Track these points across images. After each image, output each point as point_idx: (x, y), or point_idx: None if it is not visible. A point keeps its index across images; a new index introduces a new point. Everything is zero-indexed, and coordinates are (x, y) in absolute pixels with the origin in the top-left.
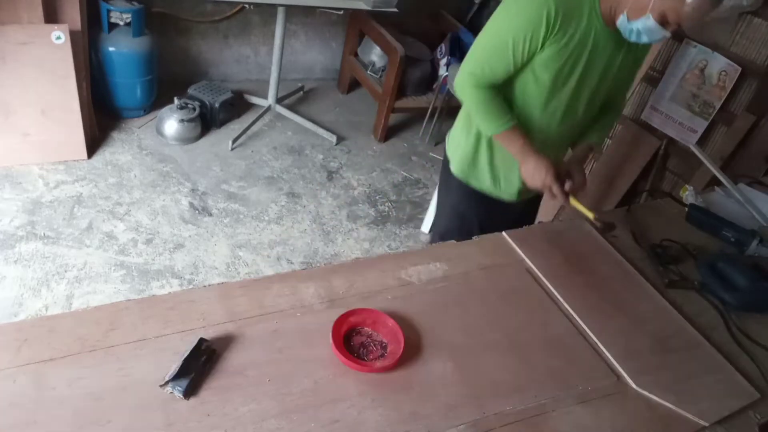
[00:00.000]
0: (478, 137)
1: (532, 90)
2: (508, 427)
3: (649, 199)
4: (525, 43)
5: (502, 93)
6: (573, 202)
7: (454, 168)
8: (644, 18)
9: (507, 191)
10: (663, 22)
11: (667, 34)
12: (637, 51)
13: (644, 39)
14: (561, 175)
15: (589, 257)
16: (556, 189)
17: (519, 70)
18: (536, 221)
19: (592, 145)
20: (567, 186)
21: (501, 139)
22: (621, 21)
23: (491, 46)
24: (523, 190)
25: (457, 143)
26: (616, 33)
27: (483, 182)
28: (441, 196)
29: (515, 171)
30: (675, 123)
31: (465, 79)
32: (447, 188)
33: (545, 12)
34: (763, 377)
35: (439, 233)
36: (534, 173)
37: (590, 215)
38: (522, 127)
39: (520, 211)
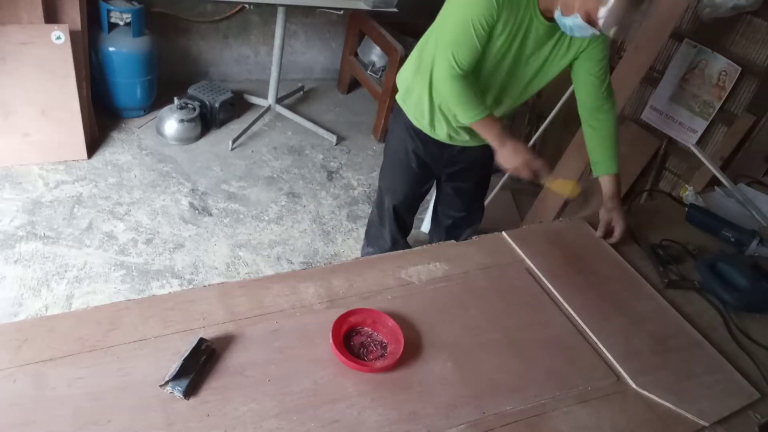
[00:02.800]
0: (425, 80)
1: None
2: (508, 427)
3: (649, 199)
4: (483, 26)
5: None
6: (548, 183)
7: (422, 126)
8: (573, 16)
9: (439, 134)
10: (589, 21)
11: (596, 32)
12: (585, 47)
13: (576, 34)
14: (605, 223)
15: (589, 257)
16: (537, 164)
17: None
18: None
19: (617, 176)
20: (542, 169)
21: (478, 126)
22: (557, 15)
23: (458, 34)
24: (451, 135)
25: (411, 90)
26: (554, 26)
27: (420, 121)
28: (388, 140)
29: (444, 118)
30: (675, 123)
31: (445, 71)
32: (393, 128)
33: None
34: (763, 377)
35: (385, 176)
36: (512, 155)
37: (570, 188)
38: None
39: (457, 154)
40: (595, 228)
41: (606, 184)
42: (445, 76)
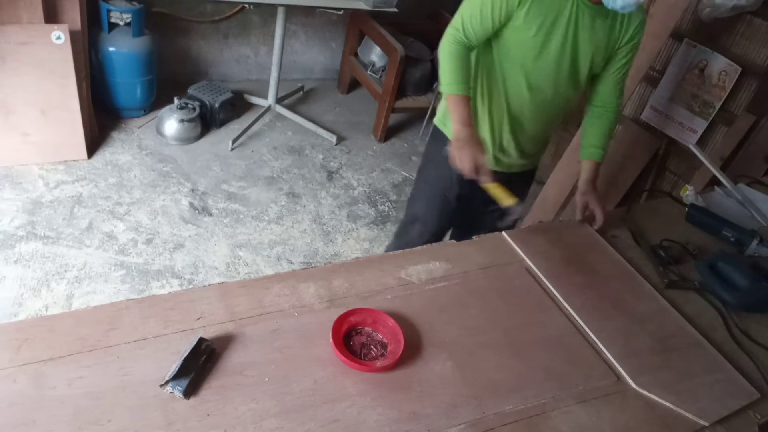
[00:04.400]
0: (473, 105)
1: (513, 54)
2: (508, 426)
3: (649, 199)
4: (501, 4)
5: (481, 63)
6: (491, 187)
7: (439, 122)
8: None
9: (493, 152)
10: None
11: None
12: (618, 26)
13: (615, 4)
14: (582, 208)
15: (589, 257)
16: (483, 164)
17: (498, 30)
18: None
19: (597, 163)
20: (484, 167)
21: (452, 100)
22: None
23: (472, 5)
24: (496, 157)
25: (445, 115)
26: (600, 8)
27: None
28: (423, 167)
29: (491, 134)
30: (675, 123)
31: (448, 33)
32: (430, 153)
33: None
34: (763, 377)
35: (417, 205)
36: (465, 144)
37: (511, 201)
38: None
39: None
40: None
41: (588, 168)
42: (448, 38)
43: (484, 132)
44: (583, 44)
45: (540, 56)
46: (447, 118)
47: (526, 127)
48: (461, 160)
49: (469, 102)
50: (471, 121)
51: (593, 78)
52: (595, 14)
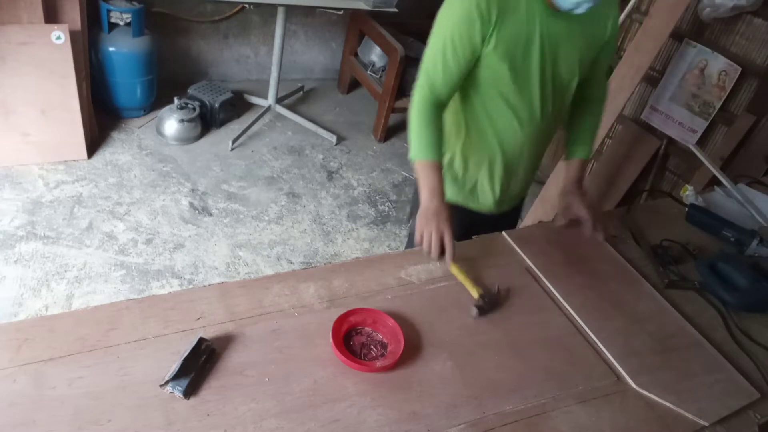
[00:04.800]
0: (452, 151)
1: (493, 93)
2: (508, 426)
3: (649, 199)
4: (462, 44)
5: (455, 115)
6: (453, 269)
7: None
8: None
9: (484, 203)
10: None
11: None
12: (594, 26)
13: (565, 3)
14: (562, 209)
15: (589, 257)
16: (447, 240)
17: (470, 73)
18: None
19: (584, 161)
20: (448, 248)
21: (420, 166)
22: None
23: (433, 55)
24: (500, 200)
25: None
26: (569, 14)
27: (459, 195)
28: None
29: (490, 180)
30: (675, 123)
31: (415, 93)
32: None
33: (475, 7)
34: (763, 377)
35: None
36: (431, 217)
37: (474, 293)
38: (441, 169)
39: (494, 224)
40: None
41: (574, 167)
42: (416, 98)
43: (483, 184)
44: (564, 57)
45: (523, 86)
46: (446, 184)
47: (524, 162)
48: (426, 236)
49: (439, 169)
50: (441, 191)
51: (590, 75)
52: (566, 22)
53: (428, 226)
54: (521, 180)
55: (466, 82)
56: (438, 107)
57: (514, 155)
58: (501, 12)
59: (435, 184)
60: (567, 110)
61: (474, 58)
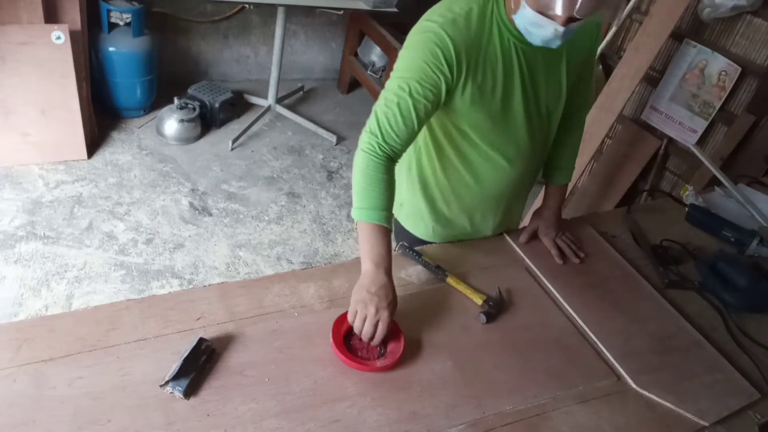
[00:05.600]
0: (430, 193)
1: (471, 141)
2: (508, 427)
3: (649, 199)
4: (425, 94)
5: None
6: (451, 281)
7: (424, 235)
8: (521, 9)
9: (484, 228)
10: (541, 8)
11: (560, 28)
12: (574, 41)
13: (535, 40)
14: (530, 231)
15: (589, 257)
16: (381, 330)
17: (443, 124)
18: None
19: (564, 187)
20: (379, 334)
21: (365, 230)
22: (515, 19)
23: (389, 101)
24: (500, 223)
25: (413, 212)
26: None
27: (460, 229)
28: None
29: (483, 205)
30: (675, 123)
31: (362, 140)
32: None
33: (441, 55)
34: (763, 377)
35: None
36: (373, 297)
37: (477, 300)
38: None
39: None
40: (596, 229)
41: (555, 194)
42: (363, 147)
43: (475, 220)
44: (547, 84)
45: (506, 126)
46: (418, 220)
47: (517, 193)
48: (359, 317)
49: (387, 234)
50: (388, 262)
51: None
52: (540, 50)
53: (365, 308)
54: (519, 206)
55: (436, 135)
56: (390, 161)
57: (504, 192)
58: (470, 58)
59: (381, 252)
60: (552, 139)
61: (435, 110)
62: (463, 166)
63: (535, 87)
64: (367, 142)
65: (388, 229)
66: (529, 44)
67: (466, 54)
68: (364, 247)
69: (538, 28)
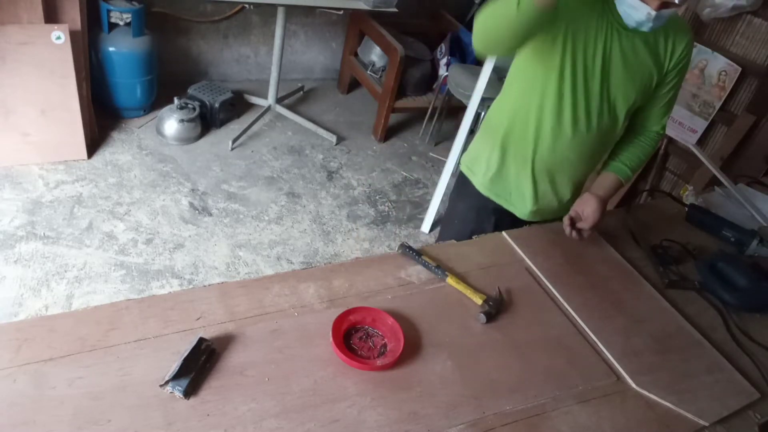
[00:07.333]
0: (504, 149)
1: (551, 90)
2: (508, 426)
3: (649, 199)
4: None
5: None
6: (451, 281)
7: (477, 183)
8: None
9: (518, 205)
10: None
11: (652, 12)
12: (660, 53)
13: (630, 21)
14: (570, 216)
15: (589, 257)
16: None
17: (538, 60)
18: None
19: (618, 181)
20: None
21: None
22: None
23: None
24: (537, 209)
25: (479, 157)
26: (630, 31)
27: (491, 189)
28: (455, 214)
29: (529, 180)
30: (675, 123)
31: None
32: (465, 206)
33: None
34: (763, 377)
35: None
36: None
37: (477, 299)
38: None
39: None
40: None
41: (607, 184)
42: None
43: (520, 183)
44: (624, 77)
45: (580, 92)
46: (476, 163)
47: (566, 173)
48: None
49: None
50: None
51: (636, 111)
52: (632, 43)
53: None
54: (561, 192)
55: (529, 71)
56: None
57: (556, 162)
58: (577, 11)
59: None
60: (616, 137)
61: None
62: (535, 111)
63: (614, 71)
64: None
65: None
66: (621, 32)
67: (577, 6)
68: None
69: (634, 11)
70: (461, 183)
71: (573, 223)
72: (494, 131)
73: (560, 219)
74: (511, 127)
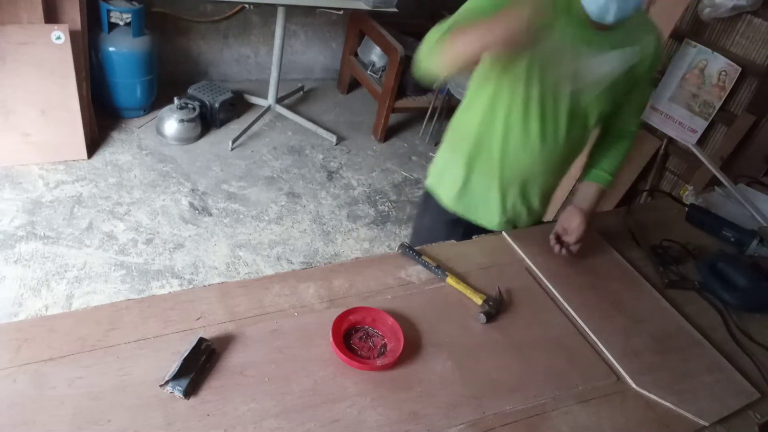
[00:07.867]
0: (469, 164)
1: (517, 103)
2: (508, 426)
3: (649, 199)
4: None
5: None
6: (451, 281)
7: (444, 198)
8: None
9: (486, 218)
10: None
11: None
12: (640, 59)
13: (592, 8)
14: (557, 231)
15: (589, 257)
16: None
17: (499, 75)
18: None
19: (601, 190)
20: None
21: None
22: None
23: (469, 11)
24: (507, 220)
25: (444, 173)
26: (607, 35)
27: (458, 204)
28: (422, 229)
29: (498, 194)
30: (675, 123)
31: (433, 33)
32: (432, 220)
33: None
34: (763, 377)
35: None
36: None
37: (477, 299)
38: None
39: None
40: (596, 229)
41: (589, 195)
42: (436, 32)
43: (488, 198)
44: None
45: (549, 104)
46: (441, 180)
47: (536, 185)
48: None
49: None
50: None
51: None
52: (599, 45)
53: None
54: (531, 201)
55: (492, 81)
56: None
57: (524, 174)
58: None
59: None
60: (586, 143)
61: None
62: (501, 125)
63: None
64: (436, 30)
65: None
66: (587, 37)
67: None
68: (491, 20)
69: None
70: (426, 198)
71: (560, 239)
72: (458, 145)
73: (532, 225)
74: (477, 140)
